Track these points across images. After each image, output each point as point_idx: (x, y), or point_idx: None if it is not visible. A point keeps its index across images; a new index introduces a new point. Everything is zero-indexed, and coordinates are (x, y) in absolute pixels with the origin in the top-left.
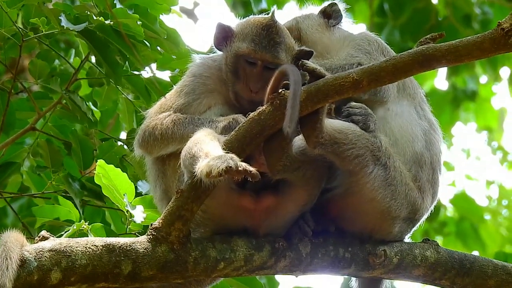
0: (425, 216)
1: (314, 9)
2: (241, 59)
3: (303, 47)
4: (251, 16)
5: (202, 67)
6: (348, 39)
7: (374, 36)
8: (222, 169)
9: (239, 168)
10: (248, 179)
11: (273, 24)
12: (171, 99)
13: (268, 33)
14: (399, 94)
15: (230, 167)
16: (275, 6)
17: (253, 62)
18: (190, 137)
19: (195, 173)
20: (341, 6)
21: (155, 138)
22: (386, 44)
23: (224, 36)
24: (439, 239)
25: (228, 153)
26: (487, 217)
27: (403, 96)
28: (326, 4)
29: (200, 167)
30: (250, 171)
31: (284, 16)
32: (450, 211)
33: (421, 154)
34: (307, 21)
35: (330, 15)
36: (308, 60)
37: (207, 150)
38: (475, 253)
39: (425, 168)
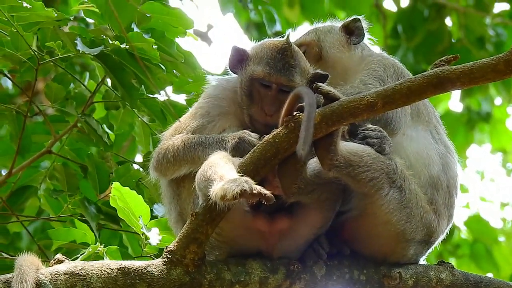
0: (440, 239)
1: (335, 22)
2: (256, 82)
3: (318, 70)
4: (266, 39)
5: (217, 88)
6: (365, 62)
7: (391, 60)
8: (236, 192)
9: (254, 191)
10: (263, 202)
11: (288, 47)
12: (185, 122)
13: (283, 56)
14: (413, 120)
15: (245, 190)
16: (290, 30)
17: (268, 85)
18: (201, 158)
19: (209, 196)
20: (364, 24)
21: (168, 160)
22: (403, 68)
23: (239, 59)
24: (453, 261)
25: (243, 176)
26: (501, 239)
27: (417, 121)
28: (349, 19)
29: (215, 190)
30: (265, 194)
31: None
32: (464, 233)
33: (437, 177)
34: (328, 37)
35: (352, 31)
36: (323, 83)
37: (222, 173)
38: (489, 275)
39: (441, 191)
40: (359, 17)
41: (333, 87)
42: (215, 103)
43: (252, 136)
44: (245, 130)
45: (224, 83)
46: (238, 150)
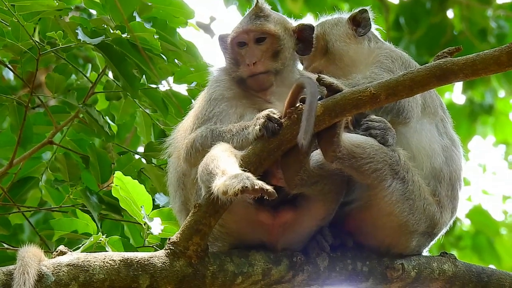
0: (443, 231)
1: (342, 14)
2: (234, 46)
3: (304, 22)
4: None
5: (222, 74)
6: (373, 54)
7: (398, 52)
8: (238, 189)
9: (255, 187)
10: (265, 197)
11: (256, 5)
12: (202, 109)
13: (251, 12)
14: (421, 112)
15: (246, 187)
16: None
17: (244, 42)
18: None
19: (212, 190)
20: (371, 15)
21: (197, 150)
22: (411, 59)
23: (224, 45)
24: (455, 253)
25: (245, 170)
26: (503, 231)
27: (424, 114)
28: (356, 11)
29: (217, 185)
30: (267, 190)
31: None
32: (466, 225)
33: (440, 169)
34: (335, 30)
35: (359, 22)
36: (310, 35)
37: (224, 167)
38: (491, 267)
39: (443, 183)
40: (366, 8)
41: (336, 78)
42: (226, 86)
43: (276, 114)
44: (269, 109)
45: (225, 68)
46: (267, 129)
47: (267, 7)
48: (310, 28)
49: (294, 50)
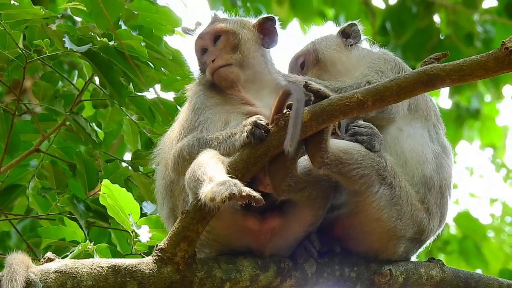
0: (432, 238)
1: (332, 31)
2: (198, 55)
3: (265, 15)
4: None
5: (196, 86)
6: (366, 58)
7: (391, 55)
8: (225, 196)
9: (243, 194)
10: (252, 204)
11: (212, 16)
12: (188, 119)
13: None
14: (411, 114)
15: (234, 193)
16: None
17: (204, 48)
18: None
19: (199, 197)
20: (360, 27)
21: (184, 159)
22: (404, 64)
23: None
24: (442, 257)
25: (232, 177)
26: (491, 234)
27: (415, 117)
28: (345, 25)
29: (204, 192)
30: (254, 196)
31: (288, 35)
32: (453, 229)
33: (430, 177)
34: (324, 41)
35: (349, 35)
36: (272, 25)
37: (211, 174)
38: (478, 271)
39: (433, 191)
40: (355, 22)
41: (329, 84)
42: (205, 95)
43: (263, 121)
44: (256, 115)
45: (198, 80)
46: (254, 136)
47: (223, 16)
48: (270, 19)
49: (258, 44)
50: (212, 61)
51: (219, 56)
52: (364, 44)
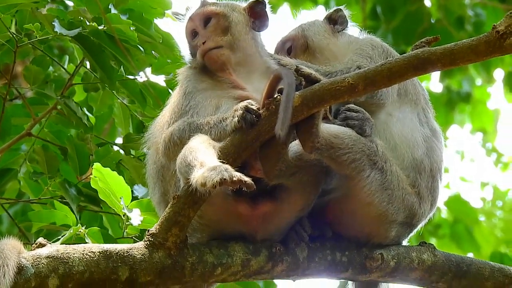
0: (423, 222)
1: (318, 16)
2: (188, 38)
3: None
4: None
5: (187, 70)
6: (353, 44)
7: (379, 41)
8: (216, 181)
9: (234, 179)
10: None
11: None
12: (178, 104)
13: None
14: (400, 99)
15: (225, 179)
16: None
17: (194, 30)
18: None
19: (190, 182)
20: (346, 12)
21: (175, 143)
22: (391, 49)
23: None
24: (433, 242)
25: (224, 162)
26: (482, 218)
27: (405, 102)
28: (331, 10)
29: (195, 177)
30: (245, 181)
31: (278, 19)
32: (444, 213)
33: (420, 160)
34: (312, 27)
35: (335, 21)
36: (262, 9)
37: (202, 159)
38: (470, 255)
39: (424, 175)
40: (340, 7)
41: (319, 69)
42: (196, 79)
43: (254, 106)
44: (248, 100)
45: (189, 64)
46: (245, 121)
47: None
48: (261, 2)
49: (249, 27)
50: (203, 43)
51: (210, 38)
52: (351, 30)
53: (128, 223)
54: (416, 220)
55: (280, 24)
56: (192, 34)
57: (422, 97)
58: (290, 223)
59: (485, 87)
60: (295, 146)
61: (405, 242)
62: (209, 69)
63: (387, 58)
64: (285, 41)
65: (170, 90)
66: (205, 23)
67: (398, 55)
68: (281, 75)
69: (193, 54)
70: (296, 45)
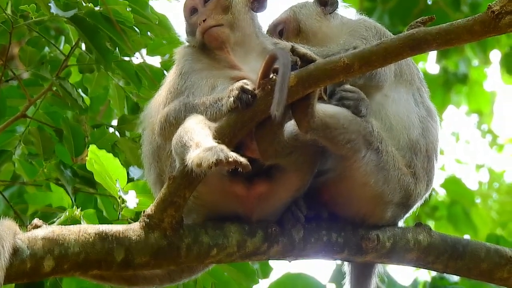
0: (419, 203)
1: None
2: (187, 16)
3: None
4: None
5: (185, 49)
6: (346, 26)
7: (372, 22)
8: (212, 162)
9: (229, 160)
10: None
11: None
12: (174, 83)
13: None
14: (396, 80)
15: (220, 159)
16: None
17: (194, 8)
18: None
19: (186, 163)
20: None
21: (170, 124)
22: (385, 30)
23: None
24: (430, 223)
25: (219, 142)
26: (478, 200)
27: (400, 82)
28: None
29: (191, 157)
30: (241, 162)
31: (272, 3)
32: (441, 195)
33: (416, 141)
34: (304, 10)
35: (326, 2)
36: None
37: (198, 140)
38: (467, 236)
39: (420, 155)
40: None
41: (314, 50)
42: (193, 58)
43: (250, 86)
44: (243, 80)
45: (188, 43)
46: (241, 101)
47: None
48: None
49: (248, 7)
50: (204, 20)
51: (210, 16)
52: (342, 11)
53: (123, 205)
54: (412, 201)
55: (278, 6)
56: (191, 11)
57: (417, 77)
58: (285, 203)
59: (482, 68)
60: (290, 126)
61: (401, 223)
62: (208, 47)
63: (380, 38)
64: (277, 24)
65: (165, 72)
66: (205, 1)
67: (392, 35)
68: (276, 55)
69: (190, 32)
70: (288, 28)
